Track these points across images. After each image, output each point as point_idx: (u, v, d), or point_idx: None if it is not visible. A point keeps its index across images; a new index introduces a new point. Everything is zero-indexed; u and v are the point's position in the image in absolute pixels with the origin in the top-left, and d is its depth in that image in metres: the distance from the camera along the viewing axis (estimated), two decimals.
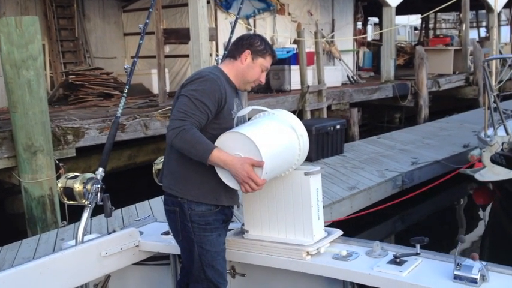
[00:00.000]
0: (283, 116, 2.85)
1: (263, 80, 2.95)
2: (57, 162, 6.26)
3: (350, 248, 2.93)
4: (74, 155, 6.75)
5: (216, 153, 2.60)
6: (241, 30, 11.18)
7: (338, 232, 3.04)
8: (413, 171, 7.74)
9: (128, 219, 6.02)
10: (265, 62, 2.89)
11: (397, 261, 2.69)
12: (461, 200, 8.90)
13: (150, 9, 3.79)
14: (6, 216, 7.43)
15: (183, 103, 2.67)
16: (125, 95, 3.50)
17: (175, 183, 2.82)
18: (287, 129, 2.78)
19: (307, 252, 2.84)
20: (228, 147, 2.65)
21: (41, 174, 5.98)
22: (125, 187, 8.33)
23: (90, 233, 3.48)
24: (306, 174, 2.85)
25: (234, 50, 2.90)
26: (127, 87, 3.52)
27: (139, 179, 7.06)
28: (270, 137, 2.71)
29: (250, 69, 2.87)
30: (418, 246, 2.72)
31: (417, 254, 2.72)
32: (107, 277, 3.34)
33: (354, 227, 6.73)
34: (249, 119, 2.96)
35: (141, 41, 3.60)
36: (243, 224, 3.12)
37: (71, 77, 9.77)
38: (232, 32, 3.78)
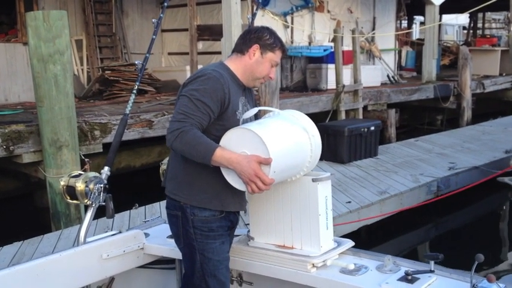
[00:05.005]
0: (294, 116, 2.67)
1: (273, 75, 2.77)
2: (84, 157, 6.23)
3: (360, 261, 2.74)
4: (101, 150, 6.68)
5: (220, 152, 2.44)
6: (277, 27, 11.02)
7: (348, 243, 2.84)
8: (450, 176, 7.36)
9: (151, 217, 5.92)
10: (275, 56, 2.71)
11: (408, 278, 2.49)
12: (503, 207, 8.45)
13: (165, 4, 3.67)
14: (35, 210, 7.49)
15: (183, 104, 2.51)
16: (134, 91, 3.38)
17: (178, 188, 2.67)
18: (298, 129, 2.61)
19: (313, 264, 2.66)
20: (233, 145, 2.49)
21: (66, 169, 5.91)
22: (156, 183, 8.29)
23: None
24: (314, 180, 2.67)
25: (242, 44, 2.72)
26: (137, 83, 3.40)
27: None
28: (278, 135, 2.53)
29: (259, 64, 2.69)
30: (432, 263, 2.50)
31: (431, 271, 2.51)
32: (111, 279, 3.24)
33: (382, 233, 6.49)
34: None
35: (154, 36, 3.45)
36: (248, 231, 2.96)
37: (106, 72, 9.82)
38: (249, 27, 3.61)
